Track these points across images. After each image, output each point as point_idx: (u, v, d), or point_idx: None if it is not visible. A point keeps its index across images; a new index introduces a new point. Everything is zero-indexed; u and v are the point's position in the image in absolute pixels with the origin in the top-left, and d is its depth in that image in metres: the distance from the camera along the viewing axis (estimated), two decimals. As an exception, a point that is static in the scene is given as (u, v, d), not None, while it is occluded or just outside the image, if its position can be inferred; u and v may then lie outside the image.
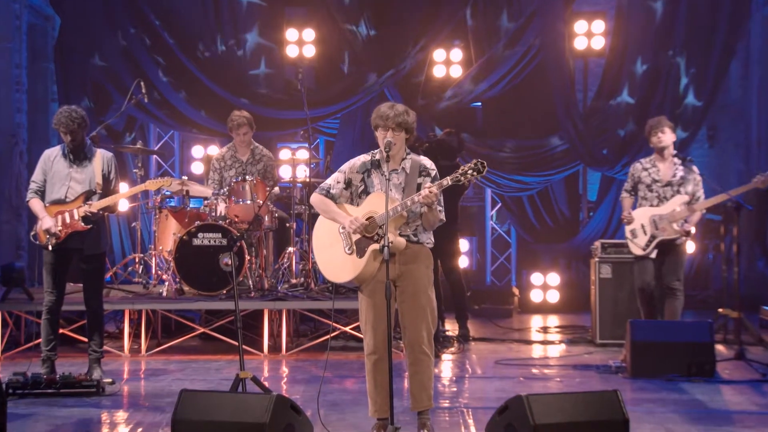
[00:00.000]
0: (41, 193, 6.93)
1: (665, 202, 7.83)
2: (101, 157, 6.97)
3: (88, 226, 6.85)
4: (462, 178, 5.07)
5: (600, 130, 11.11)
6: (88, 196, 6.89)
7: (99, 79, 10.98)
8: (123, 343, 8.28)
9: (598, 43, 11.31)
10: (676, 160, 7.93)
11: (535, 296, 11.58)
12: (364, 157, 5.38)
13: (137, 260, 9.28)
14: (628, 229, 7.92)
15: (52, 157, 6.94)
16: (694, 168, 7.91)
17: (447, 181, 5.08)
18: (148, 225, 10.95)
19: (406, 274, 5.24)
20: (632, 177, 8.03)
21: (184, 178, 8.90)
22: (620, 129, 10.98)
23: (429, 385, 5.29)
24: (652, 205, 7.87)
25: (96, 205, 6.84)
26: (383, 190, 5.20)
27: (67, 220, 6.84)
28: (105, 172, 6.96)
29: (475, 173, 5.07)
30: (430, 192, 5.07)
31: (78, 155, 6.91)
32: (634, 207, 8.07)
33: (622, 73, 10.96)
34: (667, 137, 7.87)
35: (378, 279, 5.20)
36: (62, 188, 6.89)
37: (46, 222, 6.82)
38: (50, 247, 6.84)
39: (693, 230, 7.90)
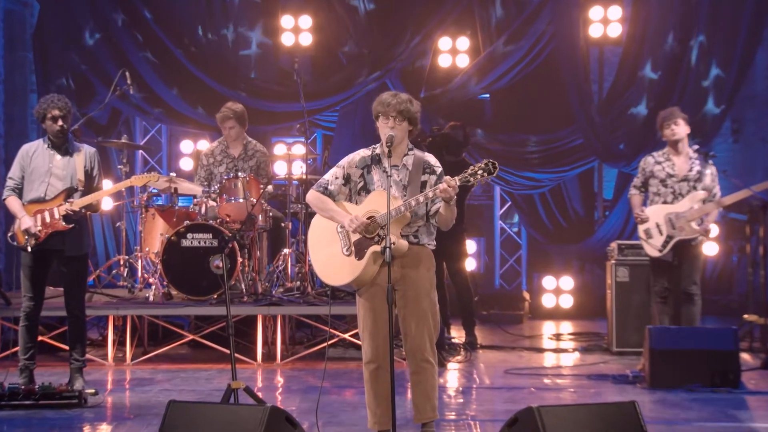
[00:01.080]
0: (19, 191, 6.93)
1: (680, 199, 7.81)
2: (84, 152, 6.97)
3: (70, 226, 6.85)
4: (471, 179, 5.07)
5: (616, 123, 11.09)
6: (69, 193, 6.89)
7: (81, 69, 10.97)
8: (107, 351, 8.28)
9: (615, 31, 11.29)
10: (691, 153, 7.91)
11: (547, 301, 11.57)
12: (363, 152, 5.37)
13: (122, 262, 9.28)
14: (641, 228, 7.91)
15: (32, 152, 6.94)
16: (710, 162, 7.89)
17: (455, 181, 5.07)
18: (133, 225, 10.96)
19: (406, 278, 5.24)
20: (643, 171, 8.01)
21: (173, 174, 8.90)
22: (638, 122, 10.95)
23: (433, 395, 5.28)
24: (666, 202, 7.84)
25: (78, 202, 6.85)
26: (384, 188, 5.19)
27: (47, 220, 6.84)
28: (87, 168, 6.96)
29: (485, 174, 5.06)
30: (449, 186, 5.03)
31: (60, 149, 6.91)
32: (644, 204, 8.05)
33: (640, 63, 10.94)
34: (680, 129, 7.85)
35: (377, 282, 5.20)
36: (41, 185, 6.89)
37: (25, 222, 6.82)
38: (29, 249, 6.84)
39: (712, 229, 7.87)
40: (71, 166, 6.92)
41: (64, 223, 6.85)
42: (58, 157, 6.92)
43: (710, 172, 7.84)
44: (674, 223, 7.77)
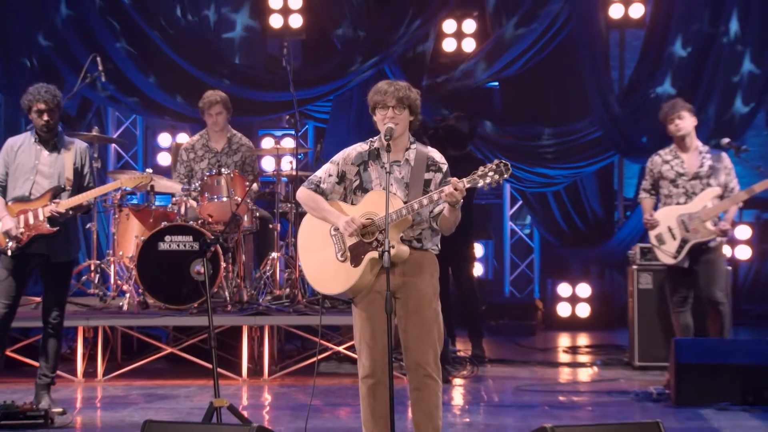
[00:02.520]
0: (2, 189, 6.90)
1: (694, 198, 7.79)
2: (74, 148, 6.96)
3: (54, 229, 6.83)
4: (480, 181, 5.03)
5: (638, 114, 11.08)
6: (55, 193, 6.87)
7: (47, 54, 10.95)
8: (76, 366, 8.26)
9: (638, 11, 11.27)
10: (701, 147, 7.89)
11: (563, 310, 11.56)
12: (360, 147, 5.34)
13: (93, 268, 9.26)
14: (652, 234, 7.87)
15: (17, 146, 6.93)
16: (724, 155, 7.87)
17: (463, 183, 5.03)
18: (105, 226, 10.93)
19: (408, 285, 5.21)
20: (651, 173, 7.99)
21: (149, 170, 8.87)
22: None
23: (436, 414, 5.26)
24: (678, 203, 7.82)
25: (64, 204, 6.83)
26: (383, 186, 5.16)
27: (31, 221, 6.82)
28: (78, 165, 6.96)
29: (496, 176, 5.02)
30: (456, 189, 5.01)
31: (47, 144, 6.89)
32: (656, 208, 8.02)
33: (666, 46, 10.93)
34: (685, 123, 7.82)
35: (375, 290, 5.18)
36: (26, 183, 6.87)
37: (7, 222, 6.81)
38: (9, 252, 6.82)
39: (731, 228, 7.84)
40: (59, 163, 6.90)
41: (48, 226, 6.82)
42: (46, 153, 6.90)
43: (724, 165, 7.81)
44: (687, 225, 7.74)
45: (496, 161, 5.05)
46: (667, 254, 7.82)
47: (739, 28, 10.71)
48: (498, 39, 11.20)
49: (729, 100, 10.73)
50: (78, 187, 6.93)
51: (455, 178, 5.07)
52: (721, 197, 7.76)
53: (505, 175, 5.02)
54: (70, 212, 6.88)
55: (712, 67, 10.73)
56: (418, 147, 5.31)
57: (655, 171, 7.94)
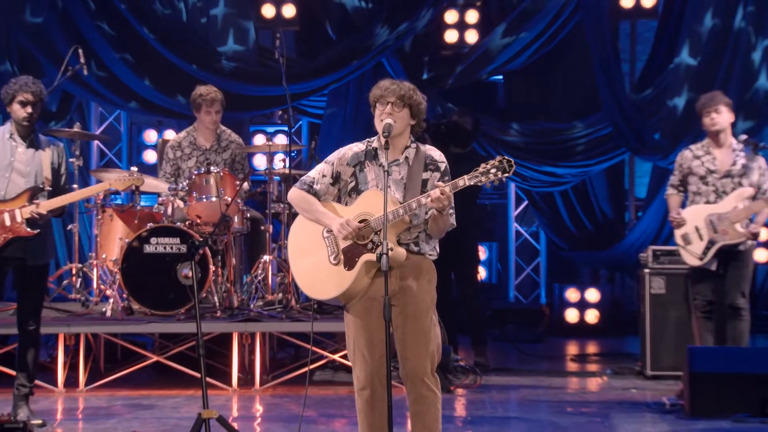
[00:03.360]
0: None
1: (724, 198, 7.80)
2: (51, 147, 6.96)
3: (35, 232, 6.83)
4: (483, 179, 5.03)
5: (651, 109, 11.10)
6: (33, 193, 6.86)
7: (26, 46, 10.94)
8: (56, 376, 8.25)
9: (650, 0, 11.28)
10: (735, 144, 7.90)
11: (570, 316, 11.57)
12: (357, 147, 5.34)
13: (74, 272, 9.26)
14: (678, 233, 7.89)
15: None
16: (758, 154, 7.88)
17: (464, 181, 5.04)
18: (87, 228, 10.93)
19: (406, 290, 5.21)
20: (680, 168, 8.00)
21: (134, 169, 8.86)
22: (678, 109, 10.95)
23: (436, 427, 5.27)
24: (708, 202, 7.83)
25: (45, 205, 6.82)
26: (380, 187, 5.16)
27: (7, 223, 6.81)
28: (55, 164, 6.96)
29: (499, 173, 5.03)
30: (442, 194, 5.03)
31: (24, 140, 6.88)
32: (684, 205, 8.03)
33: (679, 39, 10.93)
34: (722, 118, 7.83)
35: (369, 295, 5.18)
36: (1, 181, 6.86)
37: (-20, 224, 6.81)
38: (-17, 255, 6.83)
39: (761, 232, 7.85)
40: (36, 161, 6.90)
41: (28, 229, 6.81)
42: (21, 149, 6.90)
43: (758, 165, 7.82)
44: (716, 225, 7.75)
45: (498, 157, 5.07)
46: (692, 255, 7.83)
47: (756, 8, 10.68)
48: (503, 30, 11.19)
49: (751, 78, 10.69)
50: (55, 187, 6.93)
51: (440, 182, 5.09)
52: (754, 198, 7.76)
53: (509, 172, 5.03)
54: (49, 214, 6.88)
55: (730, 55, 10.72)
56: (418, 147, 5.31)
57: (685, 166, 7.95)
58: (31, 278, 6.94)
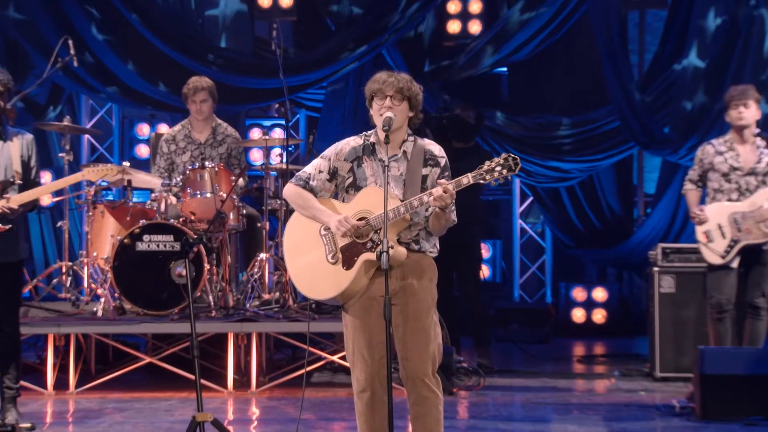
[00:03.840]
0: None
1: (747, 196, 7.79)
2: (20, 139, 6.94)
3: (7, 227, 6.81)
4: (487, 177, 5.04)
5: (660, 102, 11.08)
6: (3, 187, 6.85)
7: (14, 36, 10.92)
8: (45, 378, 8.25)
9: (659, -10, 11.28)
10: (759, 141, 7.89)
11: (577, 316, 11.57)
12: (354, 141, 5.34)
13: (64, 270, 9.25)
14: (700, 230, 7.88)
15: None
16: None
17: (468, 179, 5.05)
18: (78, 225, 10.92)
19: (406, 290, 5.21)
20: (701, 163, 8.00)
21: (126, 164, 8.88)
22: (686, 101, 10.95)
23: (437, 429, 5.27)
24: (730, 200, 7.83)
25: (16, 199, 6.80)
26: (379, 184, 5.16)
27: (-24, 219, 6.80)
28: (25, 157, 6.93)
29: (504, 171, 5.03)
30: (445, 192, 5.02)
31: None
32: (702, 202, 8.03)
33: (689, 29, 10.91)
34: (749, 113, 7.82)
35: (368, 295, 5.18)
36: (-32, 176, 6.85)
37: (-52, 220, 6.79)
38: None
39: None
40: (5, 154, 6.88)
41: None
42: None
43: None
44: (740, 224, 7.75)
45: (504, 155, 5.06)
46: (714, 253, 7.83)
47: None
48: (506, 20, 11.19)
49: (761, 71, 10.66)
50: (26, 181, 6.90)
51: (443, 180, 5.08)
52: None
53: (514, 170, 5.03)
54: (21, 209, 6.86)
55: (743, 44, 10.68)
56: (416, 140, 5.30)
57: (706, 162, 7.94)
58: (5, 276, 6.90)
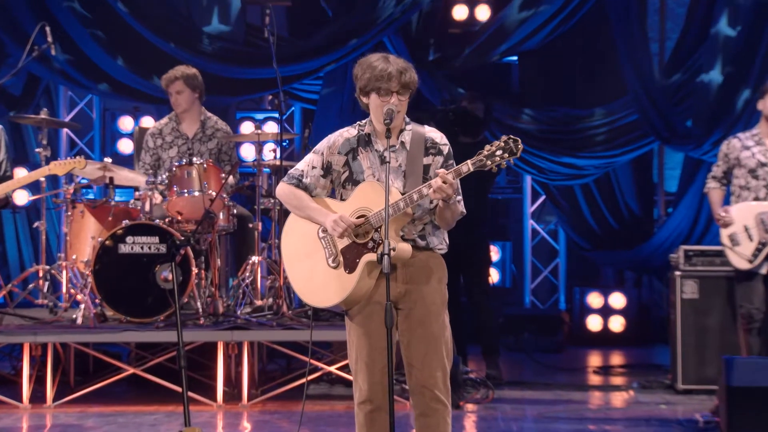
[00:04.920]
0: None
1: None
2: None
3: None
4: (488, 162, 5.01)
5: (682, 93, 11.08)
6: None
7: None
8: (21, 390, 8.25)
9: (681, -28, 11.29)
10: None
11: (593, 323, 11.58)
12: (347, 132, 5.33)
13: (41, 274, 9.24)
14: (725, 233, 7.88)
15: None
16: None
17: (467, 166, 5.03)
18: (56, 225, 10.91)
19: (413, 292, 5.20)
20: (725, 158, 8.00)
21: (108, 160, 8.88)
22: (710, 92, 10.94)
23: (444, 444, 5.26)
24: (757, 198, 7.82)
25: (-19, 195, 6.81)
26: (377, 177, 5.14)
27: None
28: None
29: (506, 155, 5.01)
30: (445, 182, 5.01)
31: None
32: (726, 201, 8.02)
33: (714, 15, 10.91)
34: None
35: (374, 300, 5.17)
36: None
37: None
38: None
39: None
40: (-28, 148, 6.89)
41: None
42: None
43: None
44: (768, 225, 7.76)
45: (504, 137, 5.02)
46: (741, 257, 7.83)
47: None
48: (517, 5, 11.17)
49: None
50: None
51: (442, 170, 5.06)
52: None
53: (516, 153, 5.00)
54: None
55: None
56: (414, 127, 5.29)
57: (732, 157, 7.94)
58: None
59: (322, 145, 5.34)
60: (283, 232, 5.42)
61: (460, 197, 5.18)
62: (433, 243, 5.26)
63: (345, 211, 5.18)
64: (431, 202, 5.19)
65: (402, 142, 5.24)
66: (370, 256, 5.10)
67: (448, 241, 5.31)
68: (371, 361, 5.19)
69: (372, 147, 5.24)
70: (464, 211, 5.24)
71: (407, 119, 5.30)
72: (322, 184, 5.32)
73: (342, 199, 5.29)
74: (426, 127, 5.33)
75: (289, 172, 5.39)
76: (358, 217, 5.17)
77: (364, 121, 5.31)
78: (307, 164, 5.34)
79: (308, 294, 5.30)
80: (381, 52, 5.36)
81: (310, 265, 5.27)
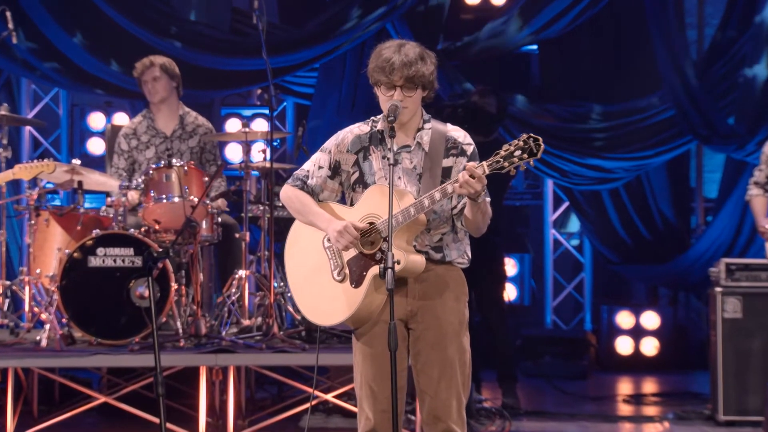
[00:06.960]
0: None
1: None
2: None
3: None
4: (505, 164, 5.01)
5: (723, 87, 11.10)
6: None
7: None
8: (-21, 420, 8.27)
9: (722, -48, 11.31)
10: None
11: (623, 346, 11.59)
12: (359, 129, 5.32)
13: (1, 291, 9.25)
14: (769, 246, 7.92)
15: None
16: None
17: (482, 168, 5.00)
18: (17, 236, 10.92)
19: (426, 311, 5.20)
20: None
21: (76, 161, 8.88)
22: (757, 87, 10.96)
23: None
24: (804, 207, 7.85)
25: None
26: (388, 180, 5.12)
27: None
28: None
29: (525, 156, 5.00)
30: (473, 176, 4.98)
31: None
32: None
33: (759, 1, 10.94)
34: None
35: (382, 318, 5.16)
36: None
37: None
38: None
39: None
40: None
41: None
42: None
43: None
44: (818, 237, 7.79)
45: (523, 135, 4.99)
46: None
47: None
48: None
49: None
50: None
51: (471, 163, 5.03)
52: None
53: (537, 154, 4.97)
54: None
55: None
56: (434, 125, 5.27)
57: None
58: None
59: (330, 142, 5.33)
60: (287, 241, 5.40)
61: (487, 197, 5.15)
62: (452, 256, 5.25)
63: (352, 218, 5.17)
64: (453, 207, 5.19)
65: (418, 143, 5.23)
66: (378, 269, 5.06)
67: (470, 255, 5.31)
68: (379, 387, 5.19)
69: (385, 146, 5.20)
70: (491, 212, 5.21)
71: (426, 116, 5.29)
72: (330, 186, 5.30)
73: (351, 204, 5.28)
74: (449, 125, 5.31)
75: (294, 173, 5.37)
76: (367, 225, 5.16)
77: (378, 117, 5.28)
78: (314, 164, 5.33)
79: (312, 311, 5.30)
80: (399, 40, 5.33)
81: (314, 278, 5.27)
